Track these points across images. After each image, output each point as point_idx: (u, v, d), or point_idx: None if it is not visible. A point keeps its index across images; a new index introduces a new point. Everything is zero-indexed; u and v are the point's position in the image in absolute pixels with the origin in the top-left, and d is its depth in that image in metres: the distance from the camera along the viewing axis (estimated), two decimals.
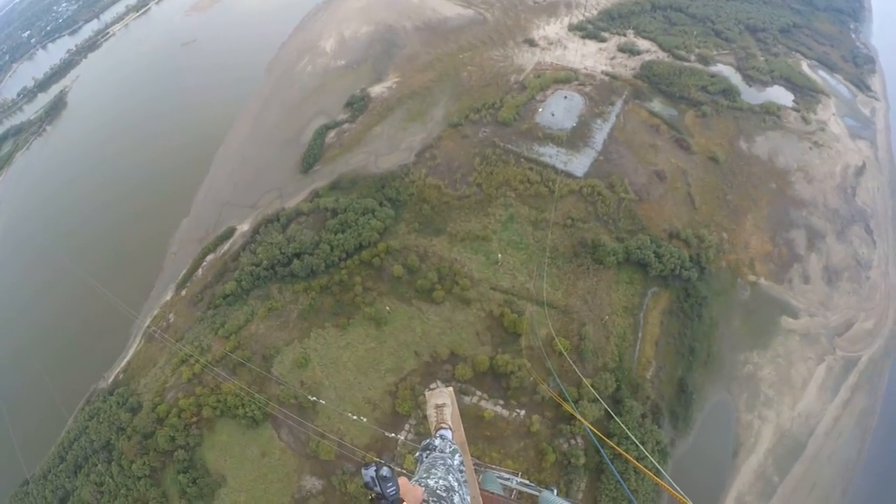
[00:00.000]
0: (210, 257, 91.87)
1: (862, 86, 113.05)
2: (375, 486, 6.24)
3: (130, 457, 66.51)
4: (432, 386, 65.53)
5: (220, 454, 65.72)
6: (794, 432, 66.13)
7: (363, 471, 6.43)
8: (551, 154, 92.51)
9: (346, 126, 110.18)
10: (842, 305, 77.12)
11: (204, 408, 67.24)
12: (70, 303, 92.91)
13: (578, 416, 54.89)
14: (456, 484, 7.62)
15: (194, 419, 67.36)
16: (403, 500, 6.24)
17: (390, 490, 6.22)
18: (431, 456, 8.62)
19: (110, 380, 79.80)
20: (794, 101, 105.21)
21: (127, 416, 70.46)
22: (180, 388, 70.96)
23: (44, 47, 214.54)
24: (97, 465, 68.31)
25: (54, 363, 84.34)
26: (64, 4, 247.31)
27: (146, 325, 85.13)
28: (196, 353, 73.26)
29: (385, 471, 6.40)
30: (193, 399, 68.41)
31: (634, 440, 56.48)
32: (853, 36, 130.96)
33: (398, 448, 63.07)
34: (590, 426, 57.28)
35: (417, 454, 8.96)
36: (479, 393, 65.55)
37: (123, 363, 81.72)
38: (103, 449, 69.57)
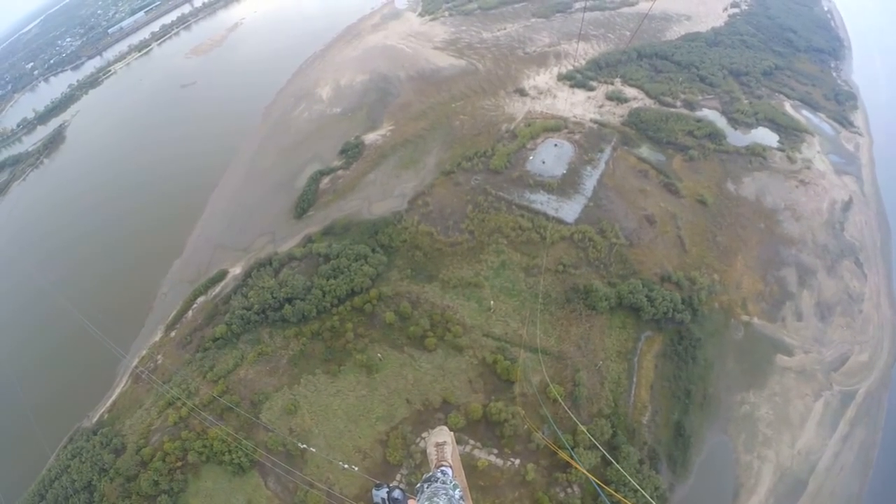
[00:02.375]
0: (201, 299, 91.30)
1: (845, 122, 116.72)
2: None
3: (112, 499, 64.54)
4: (424, 434, 64.44)
5: (204, 501, 63.65)
6: (794, 470, 65.09)
7: (374, 491, 6.43)
8: (542, 201, 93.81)
9: (340, 172, 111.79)
10: (836, 340, 77.31)
11: (189, 452, 65.65)
12: (57, 338, 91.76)
13: (576, 464, 54.03)
14: None
15: (179, 464, 65.61)
16: None
17: None
18: (433, 486, 8.57)
19: (95, 419, 77.94)
20: (778, 141, 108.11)
21: (110, 457, 68.75)
22: (166, 432, 69.43)
23: (46, 80, 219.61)
24: None
25: (38, 398, 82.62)
26: (68, 39, 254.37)
27: (134, 365, 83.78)
28: (183, 395, 72.04)
29: (397, 493, 6.44)
30: (179, 443, 66.80)
31: (634, 485, 55.61)
32: (834, 74, 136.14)
33: (388, 483, 61.24)
34: (588, 473, 56.51)
35: (418, 485, 8.89)
36: (472, 442, 64.22)
37: (109, 402, 79.95)
38: (84, 489, 67.22)
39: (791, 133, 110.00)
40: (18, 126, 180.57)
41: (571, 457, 59.15)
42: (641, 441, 65.56)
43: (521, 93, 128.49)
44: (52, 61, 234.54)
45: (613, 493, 50.13)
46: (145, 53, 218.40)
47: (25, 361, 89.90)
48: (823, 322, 79.19)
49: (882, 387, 72.60)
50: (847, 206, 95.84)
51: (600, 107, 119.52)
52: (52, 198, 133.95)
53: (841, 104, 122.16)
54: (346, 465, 62.07)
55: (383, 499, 6.37)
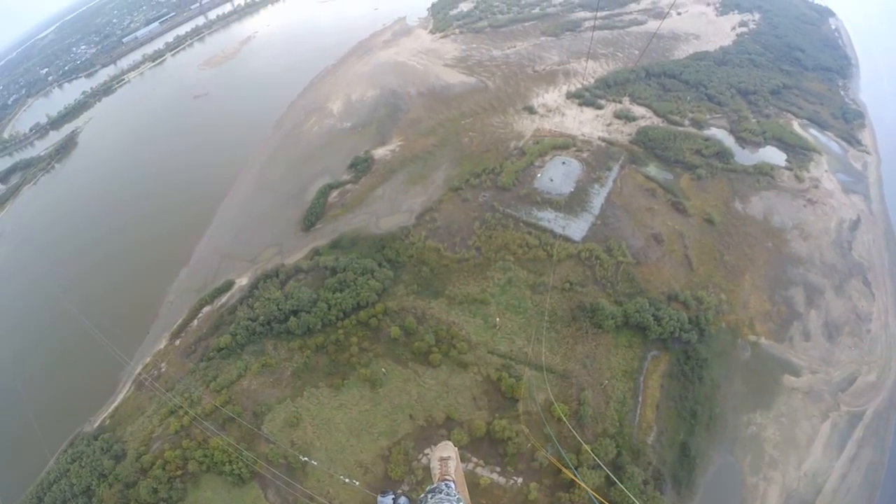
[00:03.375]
0: (207, 309, 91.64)
1: (853, 141, 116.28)
2: None
3: None
4: (426, 451, 64.01)
5: None
6: (801, 492, 63.95)
7: (380, 498, 6.43)
8: (550, 218, 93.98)
9: (349, 186, 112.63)
10: (844, 360, 76.30)
11: (190, 461, 65.56)
12: (62, 342, 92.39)
13: (580, 482, 53.43)
14: None
15: (179, 472, 65.52)
16: None
17: None
18: (437, 497, 8.55)
19: (96, 424, 77.95)
20: (786, 160, 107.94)
21: (110, 462, 68.76)
22: (167, 440, 69.44)
23: (60, 86, 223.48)
24: None
25: (41, 401, 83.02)
26: (83, 47, 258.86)
27: (137, 371, 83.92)
28: (186, 404, 72.16)
29: (403, 500, 6.42)
30: (180, 451, 66.78)
31: None
32: (842, 93, 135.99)
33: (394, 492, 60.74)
34: (593, 493, 55.85)
35: (422, 496, 8.86)
36: (474, 459, 63.68)
37: (111, 408, 79.98)
38: (83, 494, 67.20)
39: (799, 152, 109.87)
40: (31, 130, 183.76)
41: (575, 475, 58.53)
42: (646, 461, 64.74)
43: (530, 110, 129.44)
44: (66, 68, 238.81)
45: None
46: (159, 63, 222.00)
47: (30, 364, 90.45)
48: (831, 342, 78.35)
49: (890, 407, 71.60)
50: (855, 225, 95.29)
51: (608, 125, 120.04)
52: (62, 203, 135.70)
53: (849, 122, 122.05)
54: (347, 480, 61.80)
55: None
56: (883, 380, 74.54)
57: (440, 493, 8.84)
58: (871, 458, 67.08)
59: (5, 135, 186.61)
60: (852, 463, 66.56)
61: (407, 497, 6.50)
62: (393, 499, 6.42)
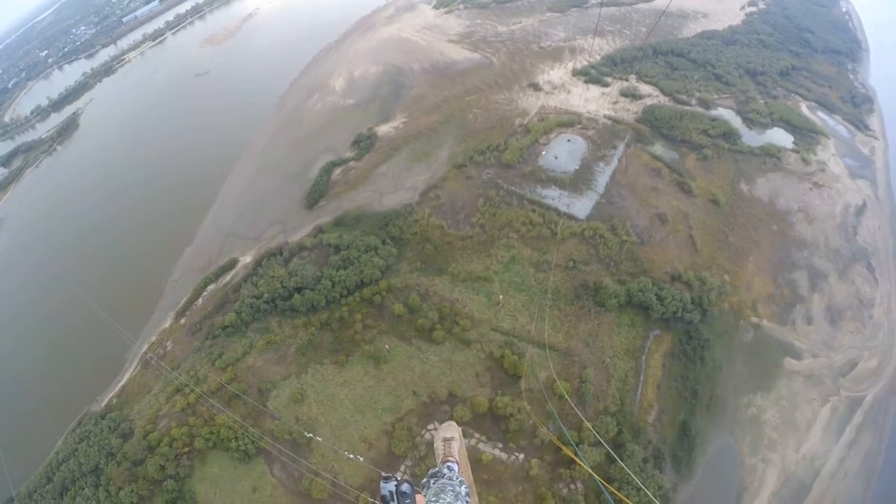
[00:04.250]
0: (211, 287, 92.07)
1: (861, 125, 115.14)
2: (392, 500, 6.24)
3: (119, 483, 65.30)
4: (430, 426, 64.71)
5: (210, 487, 64.37)
6: (798, 475, 64.80)
7: (382, 483, 6.42)
8: (554, 196, 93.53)
9: (352, 164, 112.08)
10: (845, 345, 76.61)
11: (196, 438, 66.36)
12: (69, 324, 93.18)
13: (580, 461, 54.02)
14: None
15: (186, 449, 66.43)
16: None
17: None
18: (440, 482, 8.58)
19: (103, 403, 79.09)
20: (793, 142, 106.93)
21: (118, 441, 69.68)
22: (173, 417, 70.20)
23: (60, 68, 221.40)
24: (84, 488, 66.91)
25: (49, 382, 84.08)
26: (83, 28, 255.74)
27: (143, 350, 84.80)
28: (191, 382, 72.75)
29: (405, 486, 6.42)
30: (186, 429, 67.61)
31: (638, 483, 55.56)
32: (851, 76, 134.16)
33: (396, 476, 61.57)
34: (591, 470, 56.51)
35: (424, 480, 8.91)
36: (477, 435, 64.37)
37: (118, 388, 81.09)
38: (91, 473, 68.33)
39: (806, 134, 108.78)
40: (32, 113, 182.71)
41: (576, 453, 59.16)
42: (646, 440, 65.43)
43: (535, 87, 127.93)
44: (66, 49, 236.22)
45: (615, 491, 50.09)
46: (159, 43, 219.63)
47: (37, 346, 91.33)
48: (833, 326, 78.49)
49: (890, 393, 72.02)
50: (861, 210, 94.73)
51: (614, 103, 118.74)
52: (65, 185, 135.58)
53: (857, 107, 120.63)
54: (351, 455, 62.44)
55: (391, 492, 6.35)
56: (884, 366, 74.90)
57: (443, 477, 8.86)
58: (870, 443, 67.75)
59: (6, 118, 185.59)
60: (851, 448, 67.23)
61: (409, 482, 6.47)
62: (395, 485, 6.40)
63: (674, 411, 68.97)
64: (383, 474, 6.68)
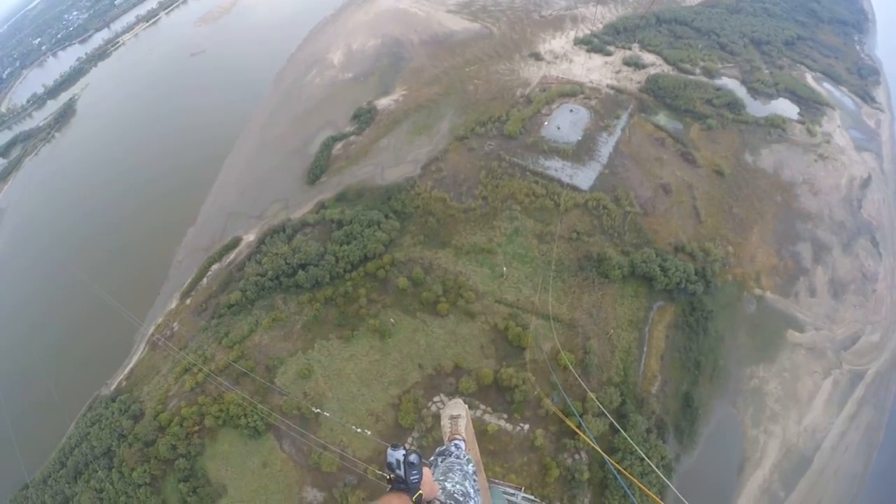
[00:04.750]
0: (215, 267, 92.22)
1: (867, 97, 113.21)
2: (399, 469, 6.17)
3: (131, 464, 66.32)
4: (436, 399, 65.42)
5: (221, 464, 65.40)
6: (800, 447, 65.45)
7: (389, 451, 6.34)
8: (557, 167, 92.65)
9: (352, 138, 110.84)
10: (848, 319, 76.58)
11: (206, 417, 67.12)
12: (76, 310, 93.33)
13: (582, 434, 54.64)
14: (472, 491, 7.75)
15: (196, 428, 67.21)
16: (421, 491, 6.18)
17: (414, 477, 6.15)
18: (448, 461, 8.62)
19: (113, 387, 79.83)
20: (798, 113, 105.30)
21: (129, 423, 70.54)
22: (183, 397, 70.97)
23: (54, 55, 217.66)
24: (97, 471, 67.96)
25: (58, 368, 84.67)
26: (75, 13, 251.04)
27: (150, 332, 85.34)
28: (199, 362, 73.36)
29: (413, 457, 6.33)
30: (196, 408, 68.30)
31: (641, 454, 56.35)
32: (857, 48, 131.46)
33: (405, 446, 62.49)
34: (590, 441, 57.21)
35: (432, 458, 8.96)
36: (482, 406, 65.03)
37: (126, 370, 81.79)
38: (104, 455, 69.32)
39: (812, 106, 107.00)
40: (28, 102, 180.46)
41: (579, 425, 59.86)
42: (650, 410, 66.02)
43: (537, 57, 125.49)
44: (59, 35, 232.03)
45: (615, 464, 50.71)
46: (153, 23, 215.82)
47: (45, 333, 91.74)
48: (836, 300, 78.40)
49: (892, 368, 72.21)
50: (866, 183, 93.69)
51: (617, 72, 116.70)
52: (65, 172, 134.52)
53: (863, 79, 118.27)
54: (359, 429, 63.30)
55: (398, 460, 6.22)
56: (886, 340, 74.91)
57: (450, 455, 8.85)
58: (871, 417, 68.20)
59: (3, 109, 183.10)
60: (852, 421, 67.69)
61: (418, 454, 6.38)
62: (404, 454, 6.29)
63: (677, 382, 69.47)
64: (392, 444, 6.62)
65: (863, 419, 67.90)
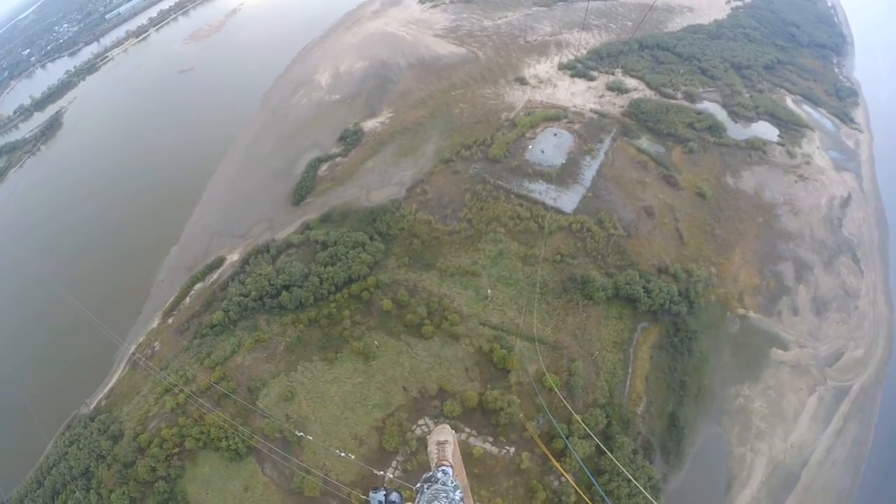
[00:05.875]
0: (198, 286, 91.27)
1: (846, 118, 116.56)
2: None
3: (110, 486, 64.82)
4: (420, 422, 64.75)
5: (201, 487, 64.06)
6: (787, 464, 65.80)
7: (371, 493, 6.35)
8: (541, 190, 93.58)
9: (338, 159, 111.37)
10: (831, 335, 77.73)
11: (187, 439, 65.89)
12: (54, 326, 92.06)
13: (557, 464, 54.58)
14: None
15: (176, 450, 65.92)
16: None
17: None
18: (434, 488, 8.49)
19: (92, 406, 78.24)
20: (779, 135, 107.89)
21: (108, 443, 69.07)
22: (163, 418, 69.67)
23: (43, 66, 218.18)
24: (75, 492, 66.29)
25: (36, 386, 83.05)
26: (65, 25, 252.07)
27: (131, 351, 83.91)
28: (180, 382, 72.17)
29: (395, 496, 6.37)
30: (176, 429, 67.09)
31: (628, 475, 56.05)
32: (836, 70, 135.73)
33: (385, 486, 61.54)
34: (564, 472, 56.88)
35: (418, 485, 8.82)
36: (467, 429, 64.55)
37: (106, 389, 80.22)
38: (82, 476, 67.69)
39: (791, 128, 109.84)
40: (15, 113, 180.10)
41: (565, 448, 59.49)
42: (636, 431, 65.99)
43: (522, 82, 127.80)
44: (48, 48, 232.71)
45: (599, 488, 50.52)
46: (143, 39, 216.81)
47: (22, 349, 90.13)
48: (819, 317, 79.57)
49: (876, 383, 73.20)
50: (846, 202, 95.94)
51: (601, 97, 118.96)
52: (49, 185, 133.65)
53: (842, 100, 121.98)
54: (342, 453, 62.43)
55: (380, 502, 6.31)
56: (870, 356, 76.12)
57: (437, 482, 8.78)
58: (857, 432, 68.90)
59: None
60: (838, 437, 68.38)
61: (398, 493, 6.41)
62: (385, 495, 6.33)
63: (662, 402, 69.59)
64: (373, 487, 6.61)
65: (849, 434, 68.54)
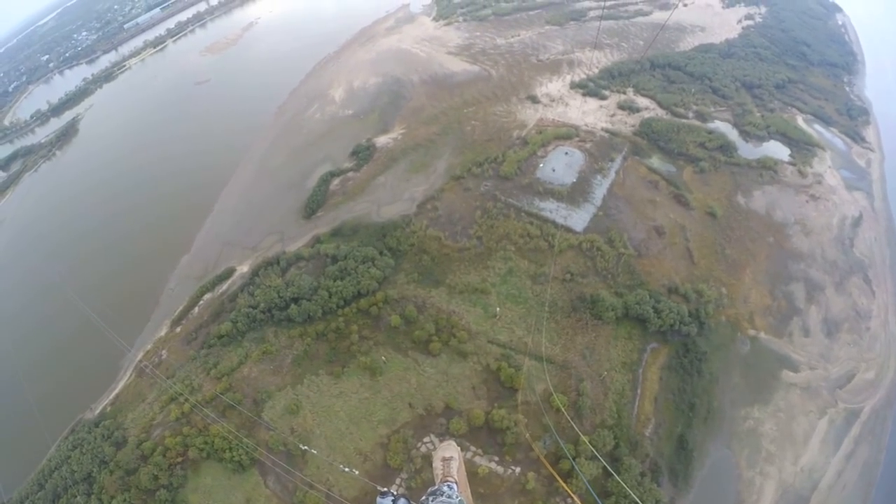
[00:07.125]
0: (208, 296, 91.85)
1: (857, 137, 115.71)
2: None
3: (111, 492, 64.82)
4: (425, 439, 64.37)
5: (203, 497, 63.85)
6: (797, 488, 64.55)
7: (379, 499, 6.37)
8: (551, 209, 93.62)
9: (350, 174, 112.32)
10: (842, 357, 76.58)
11: (190, 448, 65.92)
12: (63, 330, 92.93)
13: (562, 483, 53.87)
14: None
15: (179, 459, 65.96)
16: None
17: None
18: (439, 500, 8.53)
19: (97, 411, 78.59)
20: (790, 155, 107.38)
21: (111, 449, 69.22)
22: (167, 427, 69.79)
23: (61, 73, 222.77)
24: (76, 496, 66.34)
25: (42, 389, 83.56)
26: (84, 33, 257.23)
27: (138, 359, 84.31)
28: (186, 391, 72.36)
29: (402, 501, 6.37)
30: (180, 438, 67.14)
31: (635, 498, 55.30)
32: (847, 89, 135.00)
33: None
34: (571, 492, 56.18)
35: (423, 498, 8.85)
36: (473, 448, 64.00)
37: (112, 395, 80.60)
38: (84, 481, 67.80)
39: (803, 147, 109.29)
40: (32, 117, 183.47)
41: (572, 467, 58.80)
42: (643, 453, 65.12)
43: (534, 100, 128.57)
44: (67, 54, 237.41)
45: None
46: (160, 50, 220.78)
47: (30, 352, 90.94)
48: (830, 338, 78.54)
49: (887, 406, 72.00)
50: (857, 222, 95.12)
51: (612, 116, 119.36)
52: (63, 190, 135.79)
53: (853, 119, 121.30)
54: (346, 468, 62.03)
55: None
56: (881, 378, 74.84)
57: (442, 495, 8.81)
58: (868, 455, 67.58)
59: (6, 122, 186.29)
60: (849, 460, 67.05)
61: (406, 498, 6.43)
62: (392, 500, 6.35)
63: (671, 424, 68.72)
64: (380, 489, 6.64)
65: (860, 457, 67.23)
